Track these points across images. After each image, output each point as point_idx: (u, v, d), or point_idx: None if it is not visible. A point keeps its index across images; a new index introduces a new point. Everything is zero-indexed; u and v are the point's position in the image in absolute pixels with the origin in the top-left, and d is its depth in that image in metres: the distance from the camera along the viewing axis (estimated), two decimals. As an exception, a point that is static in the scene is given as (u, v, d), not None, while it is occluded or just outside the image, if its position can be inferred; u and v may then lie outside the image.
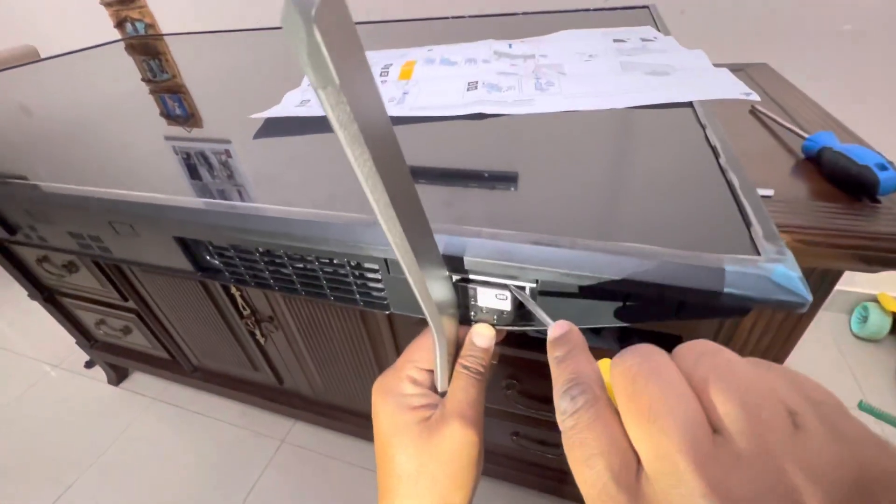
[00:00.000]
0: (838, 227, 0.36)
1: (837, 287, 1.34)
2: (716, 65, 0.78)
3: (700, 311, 0.19)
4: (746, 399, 0.12)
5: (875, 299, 1.17)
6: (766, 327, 0.47)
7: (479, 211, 0.26)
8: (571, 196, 0.27)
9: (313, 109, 0.46)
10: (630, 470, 0.12)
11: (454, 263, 0.22)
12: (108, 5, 1.44)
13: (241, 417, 1.20)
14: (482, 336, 0.25)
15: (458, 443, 0.22)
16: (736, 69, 0.74)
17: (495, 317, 0.25)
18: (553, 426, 0.73)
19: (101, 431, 1.22)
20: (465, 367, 0.24)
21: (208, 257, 0.35)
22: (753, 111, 0.56)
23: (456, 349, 0.25)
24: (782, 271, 0.18)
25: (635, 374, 0.13)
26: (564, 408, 0.15)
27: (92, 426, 1.24)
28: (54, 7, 1.53)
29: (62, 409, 1.30)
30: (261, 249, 0.31)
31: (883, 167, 0.37)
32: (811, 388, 0.13)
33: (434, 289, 0.19)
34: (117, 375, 1.34)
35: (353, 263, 0.28)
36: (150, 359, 1.19)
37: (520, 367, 0.67)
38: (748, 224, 0.21)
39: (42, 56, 1.62)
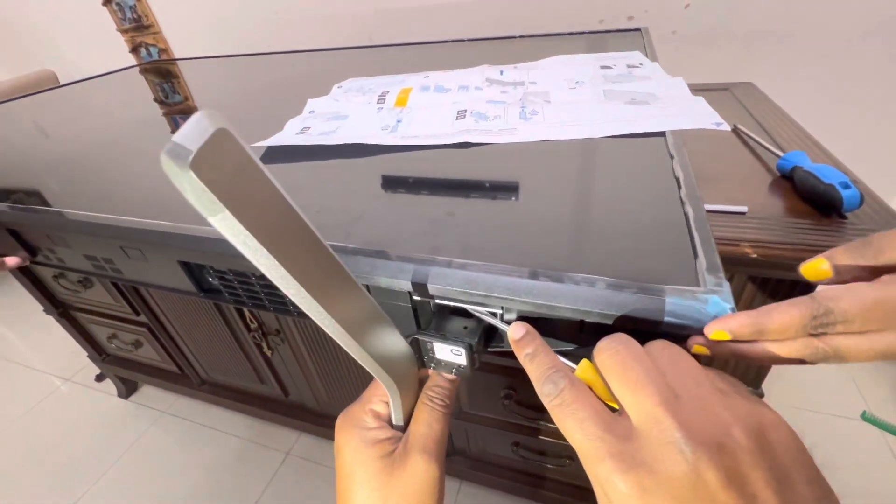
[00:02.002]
0: (805, 242, 0.37)
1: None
2: (703, 85, 0.80)
3: (647, 336, 0.21)
4: (696, 379, 0.18)
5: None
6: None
7: (449, 239, 0.28)
8: (538, 226, 0.29)
9: (312, 137, 0.49)
10: (612, 422, 0.17)
11: (423, 290, 0.25)
12: (124, 31, 1.51)
13: (247, 430, 1.22)
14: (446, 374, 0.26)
15: (419, 478, 0.23)
16: (722, 89, 0.76)
17: (453, 370, 0.26)
18: (551, 434, 0.74)
19: (111, 443, 1.25)
20: (430, 400, 0.25)
21: (210, 279, 0.38)
22: (736, 130, 0.58)
23: (417, 387, 0.26)
24: (716, 302, 0.20)
25: (623, 357, 0.18)
26: (549, 391, 0.19)
27: (102, 438, 1.27)
28: (74, 33, 1.60)
29: (73, 421, 1.33)
30: (256, 274, 0.33)
31: (846, 185, 0.38)
32: (730, 377, 0.19)
33: (379, 347, 0.21)
34: (127, 389, 1.38)
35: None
36: (160, 372, 1.22)
37: (516, 378, 0.68)
38: (696, 256, 0.23)
39: (61, 79, 1.69)
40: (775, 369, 1.16)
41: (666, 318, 0.20)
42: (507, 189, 0.35)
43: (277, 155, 0.47)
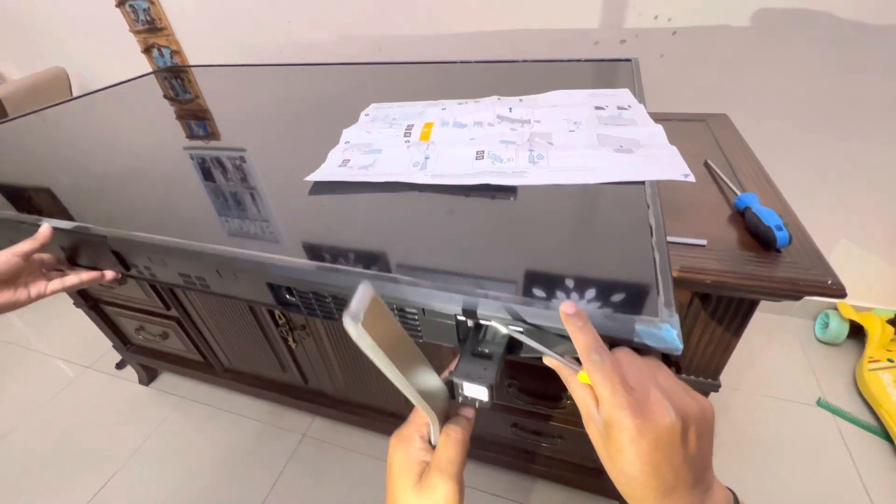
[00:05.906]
0: (748, 271, 0.49)
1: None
2: (683, 115, 0.90)
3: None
4: (669, 377, 0.28)
5: (835, 308, 1.31)
6: (708, 341, 0.60)
7: (476, 265, 0.39)
8: (547, 261, 0.40)
9: (354, 171, 0.58)
10: (630, 387, 0.27)
11: (470, 315, 0.35)
12: (136, 33, 1.56)
13: (266, 414, 1.32)
14: (467, 408, 0.35)
15: (439, 494, 0.29)
16: (699, 119, 0.86)
17: (477, 403, 0.34)
18: (545, 417, 0.85)
19: (135, 428, 1.33)
20: (448, 430, 0.32)
21: (288, 295, 0.48)
22: (707, 165, 0.69)
23: (448, 415, 0.35)
24: (667, 329, 0.30)
25: (635, 360, 0.29)
26: (595, 359, 0.28)
27: (126, 423, 1.35)
28: (87, 32, 1.64)
29: (97, 407, 1.41)
30: (332, 294, 0.43)
31: (780, 228, 0.50)
32: (685, 385, 0.29)
33: (427, 388, 0.30)
34: (148, 376, 1.45)
35: (396, 308, 0.40)
36: (183, 361, 1.30)
37: (519, 370, 0.79)
38: (658, 293, 0.34)
39: (72, 77, 1.73)
40: (744, 362, 1.29)
41: (635, 339, 0.31)
42: (519, 229, 0.45)
43: (327, 188, 0.56)
